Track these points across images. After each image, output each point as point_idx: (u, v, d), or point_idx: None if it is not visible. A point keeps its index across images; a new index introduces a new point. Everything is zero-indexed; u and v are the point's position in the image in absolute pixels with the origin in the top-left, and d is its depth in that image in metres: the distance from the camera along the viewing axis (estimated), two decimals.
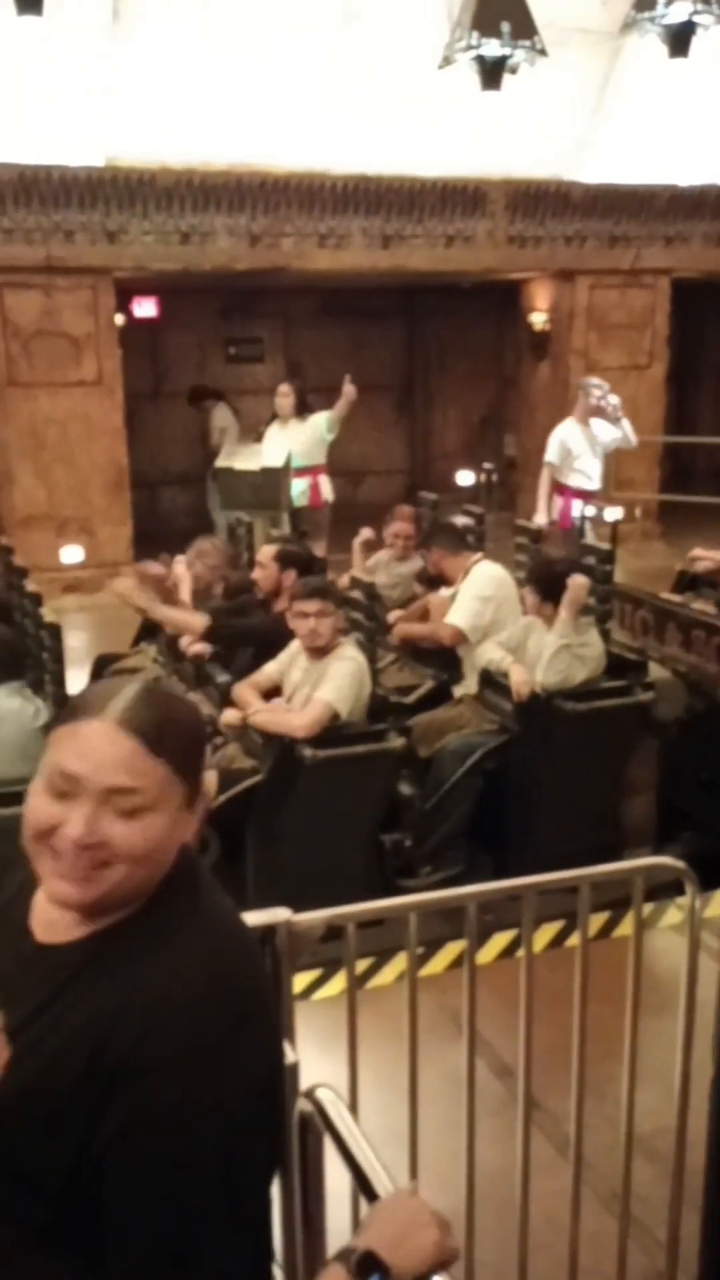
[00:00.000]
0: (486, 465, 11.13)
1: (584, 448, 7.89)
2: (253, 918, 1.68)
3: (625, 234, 9.76)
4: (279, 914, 1.87)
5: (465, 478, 11.29)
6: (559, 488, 7.94)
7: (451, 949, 3.76)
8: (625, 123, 9.12)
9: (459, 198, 9.10)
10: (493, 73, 6.38)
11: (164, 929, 1.21)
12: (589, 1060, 2.31)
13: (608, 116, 9.09)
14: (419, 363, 13.09)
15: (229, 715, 4.21)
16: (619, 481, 9.76)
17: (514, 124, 8.62)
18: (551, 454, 7.95)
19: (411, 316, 12.91)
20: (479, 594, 4.88)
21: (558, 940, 3.68)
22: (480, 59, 6.31)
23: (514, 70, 6.40)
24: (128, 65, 8.00)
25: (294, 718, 3.96)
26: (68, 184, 8.23)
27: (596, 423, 7.91)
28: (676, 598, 6.19)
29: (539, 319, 10.50)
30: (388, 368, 12.86)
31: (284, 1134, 1.36)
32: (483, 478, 10.89)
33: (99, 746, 1.18)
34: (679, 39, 6.21)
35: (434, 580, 5.38)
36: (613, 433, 8.02)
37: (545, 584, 4.48)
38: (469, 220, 9.20)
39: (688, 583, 6.67)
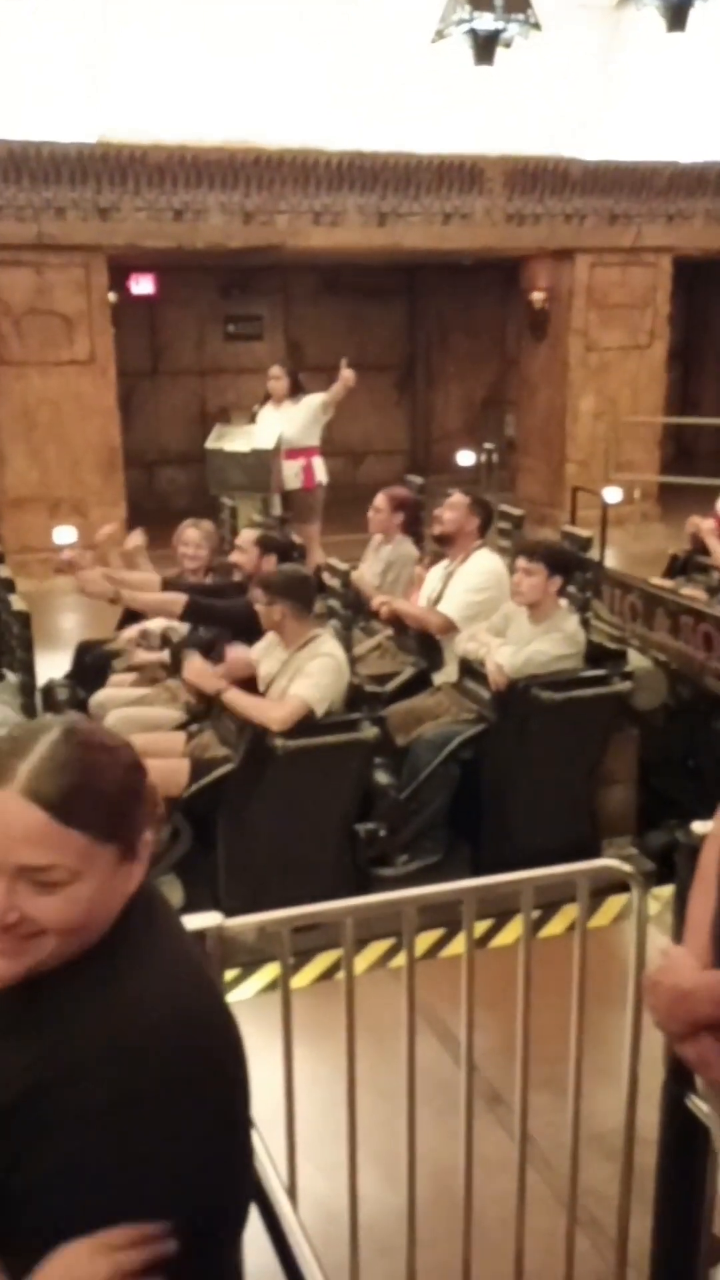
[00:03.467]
0: (487, 446, 11.04)
1: None
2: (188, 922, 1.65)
3: (626, 212, 9.64)
4: (210, 919, 1.85)
5: (466, 458, 11.21)
6: None
7: (425, 939, 3.75)
8: (625, 99, 8.99)
9: (456, 175, 8.99)
10: (485, 47, 6.28)
11: (112, 971, 1.14)
12: (553, 1058, 2.29)
13: (607, 92, 8.96)
14: (420, 341, 12.99)
15: (194, 671, 4.13)
16: (619, 463, 9.69)
17: (511, 100, 8.50)
18: None
19: (412, 295, 12.80)
20: (475, 586, 4.81)
21: (534, 931, 3.66)
22: (473, 33, 6.21)
23: (508, 44, 6.30)
24: (120, 41, 7.91)
25: (271, 709, 3.93)
26: (59, 160, 8.15)
27: None
28: (667, 583, 6.15)
29: (538, 298, 10.39)
30: (388, 346, 12.77)
31: (244, 1187, 1.28)
32: (483, 458, 10.81)
33: (3, 821, 1.10)
34: (677, 12, 6.10)
35: (434, 558, 5.31)
36: None
37: (558, 561, 4.40)
38: (466, 198, 9.09)
39: (679, 567, 6.63)
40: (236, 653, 4.43)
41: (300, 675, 3.97)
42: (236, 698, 4.00)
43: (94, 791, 1.13)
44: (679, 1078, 2.08)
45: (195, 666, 4.13)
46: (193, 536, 5.18)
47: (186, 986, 1.19)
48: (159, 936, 1.20)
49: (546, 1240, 2.32)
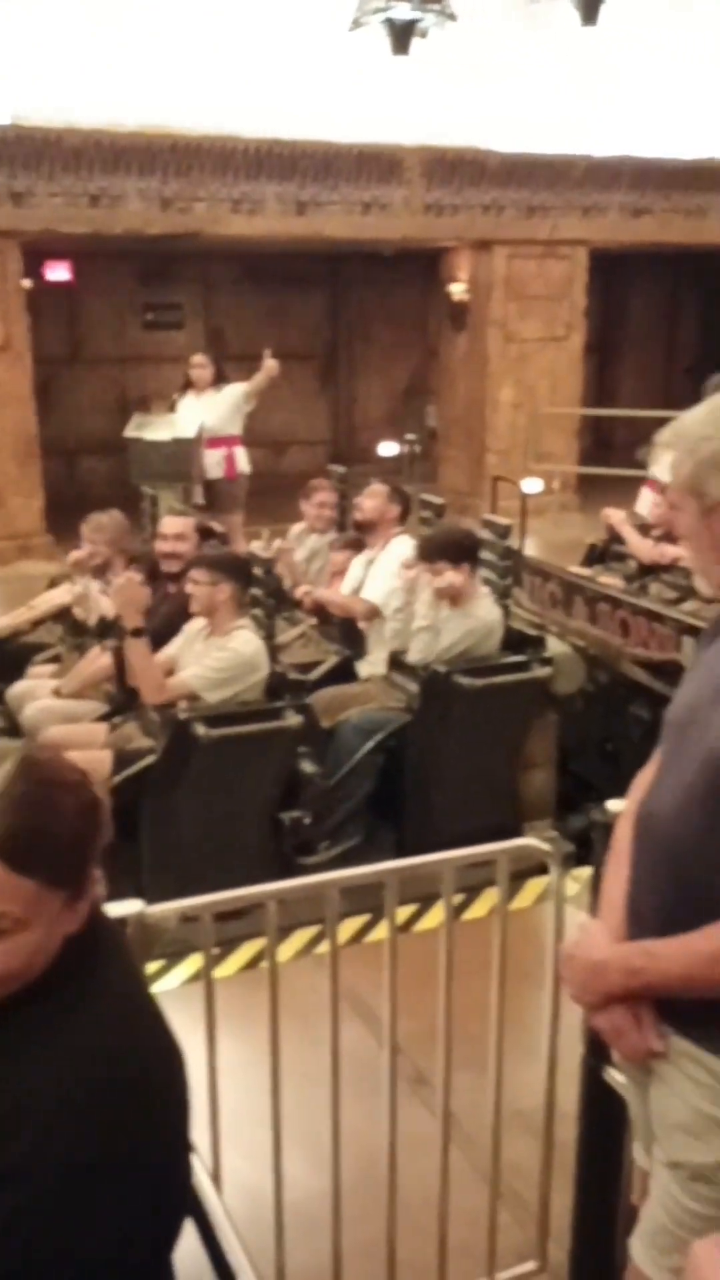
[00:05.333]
0: (409, 436, 11.08)
1: None
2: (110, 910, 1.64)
3: (542, 204, 9.74)
4: (130, 906, 1.84)
5: (388, 448, 11.24)
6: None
7: (349, 925, 3.77)
8: (540, 91, 9.06)
9: (374, 164, 8.99)
10: (402, 36, 6.30)
11: (51, 1019, 1.10)
12: (477, 1038, 2.33)
13: (522, 85, 9.02)
14: (343, 331, 12.99)
15: (124, 589, 4.13)
16: (538, 454, 9.80)
17: (428, 91, 8.52)
18: None
19: (335, 284, 12.78)
20: (397, 573, 4.84)
21: (457, 914, 3.70)
22: (390, 22, 6.22)
23: (424, 34, 6.32)
24: (34, 22, 7.75)
25: (156, 680, 4.02)
26: None
27: None
28: (585, 571, 6.25)
29: (458, 289, 10.46)
30: (311, 336, 12.74)
31: (178, 1216, 1.26)
32: (405, 449, 10.85)
33: None
34: (589, 6, 6.16)
35: (358, 544, 5.33)
36: None
37: (458, 551, 4.44)
38: (385, 188, 9.10)
39: (597, 555, 6.74)
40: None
41: (200, 661, 4.00)
42: (138, 649, 4.01)
43: (49, 835, 1.09)
44: (596, 1051, 2.13)
45: (129, 588, 4.10)
46: (103, 520, 5.13)
47: (127, 1030, 1.14)
48: (101, 972, 1.15)
49: (470, 1216, 2.36)
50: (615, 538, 6.67)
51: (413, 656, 4.45)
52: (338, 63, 8.10)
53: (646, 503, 7.02)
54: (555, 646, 4.66)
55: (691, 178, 10.16)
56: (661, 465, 1.67)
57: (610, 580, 5.89)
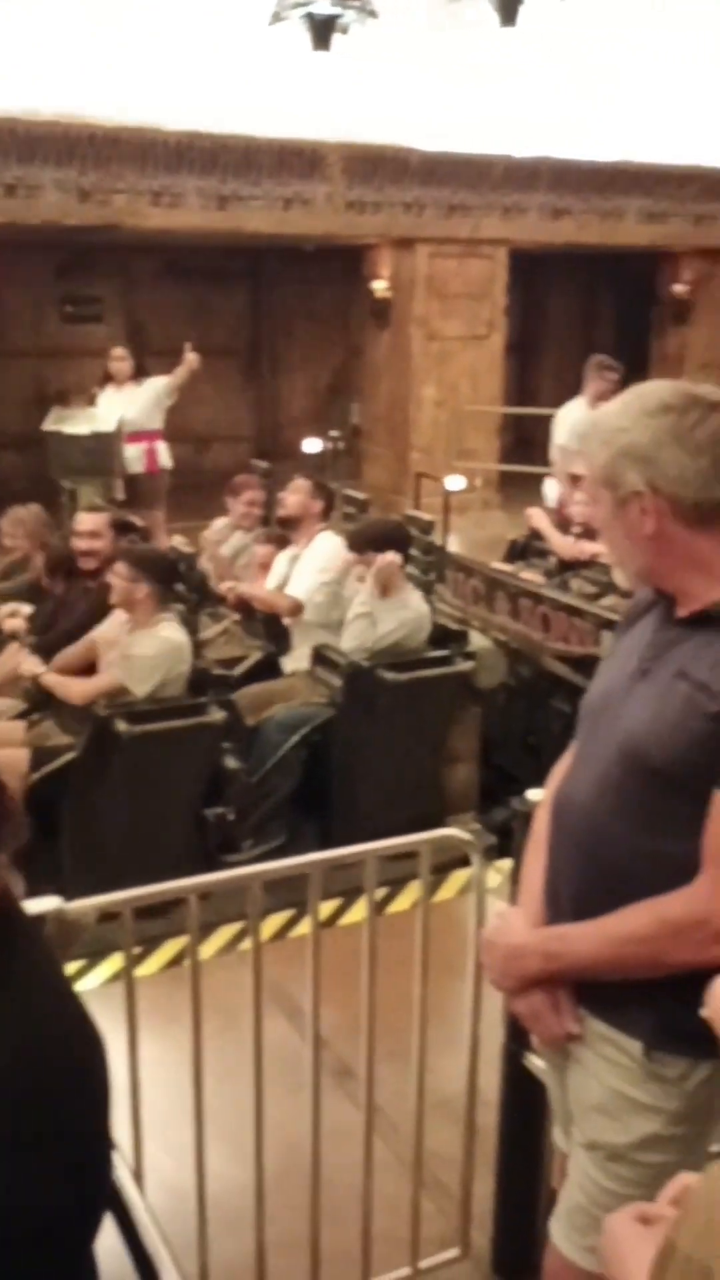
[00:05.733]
0: (333, 433, 11.09)
1: None
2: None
3: (463, 203, 9.81)
4: (48, 903, 1.82)
5: (312, 445, 11.23)
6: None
7: (274, 921, 3.77)
8: (460, 91, 9.13)
9: (296, 160, 8.97)
10: (322, 31, 6.29)
11: None
12: (401, 1029, 2.34)
13: (443, 84, 9.08)
14: (266, 327, 12.93)
15: (26, 668, 4.21)
16: (460, 451, 9.88)
17: (350, 87, 8.53)
18: (560, 435, 7.30)
19: (258, 280, 12.72)
20: (321, 567, 4.84)
21: (379, 908, 3.71)
22: (310, 17, 6.20)
23: (344, 30, 6.32)
24: None
25: (76, 685, 4.03)
26: None
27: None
28: (507, 567, 6.32)
29: (380, 286, 10.49)
30: (233, 332, 12.66)
31: (97, 1211, 1.23)
32: (329, 445, 10.85)
33: None
34: (508, 7, 6.22)
35: (282, 540, 5.33)
36: None
37: (387, 541, 4.47)
38: (307, 183, 9.09)
39: (518, 551, 6.82)
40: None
41: (125, 656, 3.97)
42: (49, 680, 4.09)
43: None
44: (516, 1037, 2.16)
45: (9, 660, 4.15)
46: (22, 514, 5.06)
47: (38, 1031, 1.11)
48: (16, 957, 1.13)
49: (393, 1205, 2.37)
50: (536, 534, 6.77)
51: (347, 644, 4.44)
52: (260, 56, 8.06)
53: (552, 494, 7.18)
54: (478, 641, 4.71)
55: (608, 180, 10.33)
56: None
57: (532, 576, 5.97)
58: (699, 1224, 0.81)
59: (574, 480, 6.54)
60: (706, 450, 1.56)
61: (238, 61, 8.22)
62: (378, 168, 9.35)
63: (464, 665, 4.46)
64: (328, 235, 9.75)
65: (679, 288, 11.60)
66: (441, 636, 4.57)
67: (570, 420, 7.30)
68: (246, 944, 3.50)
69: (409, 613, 4.42)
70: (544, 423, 12.69)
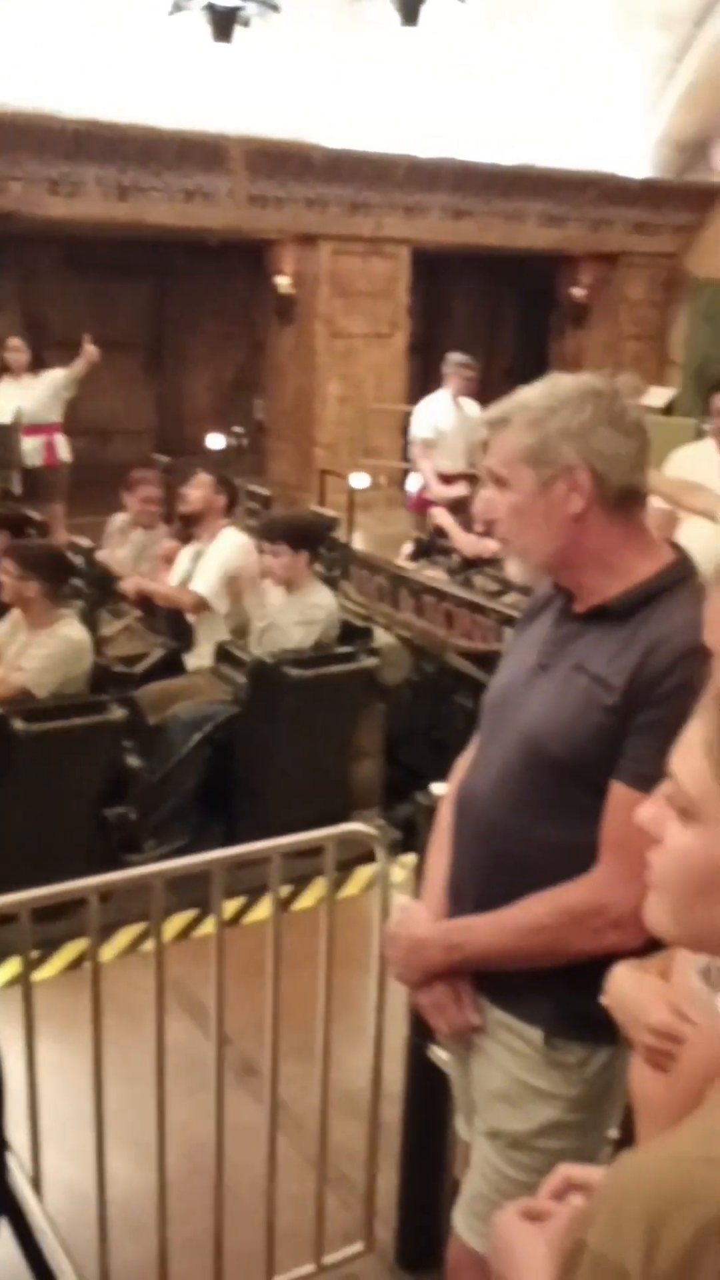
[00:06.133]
0: (237, 429, 11.01)
1: (450, 424, 7.55)
2: None
3: (366, 201, 9.83)
4: None
5: (215, 440, 11.14)
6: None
7: (178, 921, 3.73)
8: (362, 88, 9.15)
9: (198, 152, 8.88)
10: (223, 24, 6.25)
11: None
12: (307, 1026, 2.33)
13: (344, 81, 9.08)
14: (169, 321, 12.77)
15: None
16: (365, 449, 9.91)
17: (252, 81, 8.48)
18: (420, 428, 7.56)
19: (161, 273, 12.55)
20: (225, 562, 4.80)
21: (285, 905, 3.70)
22: (211, 7, 6.14)
23: (245, 23, 6.28)
24: None
25: None
26: None
27: (467, 401, 7.74)
28: (411, 565, 6.37)
29: (284, 282, 10.46)
30: (136, 325, 12.47)
31: None
32: (233, 441, 10.78)
33: None
34: (409, 7, 6.25)
35: (181, 539, 5.27)
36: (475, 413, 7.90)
37: (299, 535, 4.45)
38: (209, 176, 9.00)
39: (423, 549, 6.88)
40: None
41: (26, 657, 3.89)
42: None
43: None
44: (420, 1030, 2.17)
45: None
46: None
47: None
48: None
49: (297, 1202, 2.37)
50: (440, 532, 6.84)
51: (257, 650, 4.42)
52: (162, 47, 7.96)
53: (414, 487, 7.62)
54: (382, 637, 4.73)
55: (509, 183, 10.46)
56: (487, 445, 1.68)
57: (435, 574, 6.03)
58: (609, 1221, 0.79)
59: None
60: (634, 435, 1.59)
61: (139, 51, 8.10)
62: (280, 163, 9.31)
63: (369, 662, 4.47)
64: (230, 229, 9.67)
65: (577, 291, 11.81)
66: (346, 633, 4.58)
67: (431, 415, 7.57)
68: (149, 945, 3.47)
69: (314, 610, 4.41)
70: None
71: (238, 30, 6.71)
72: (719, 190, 11.11)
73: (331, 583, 4.73)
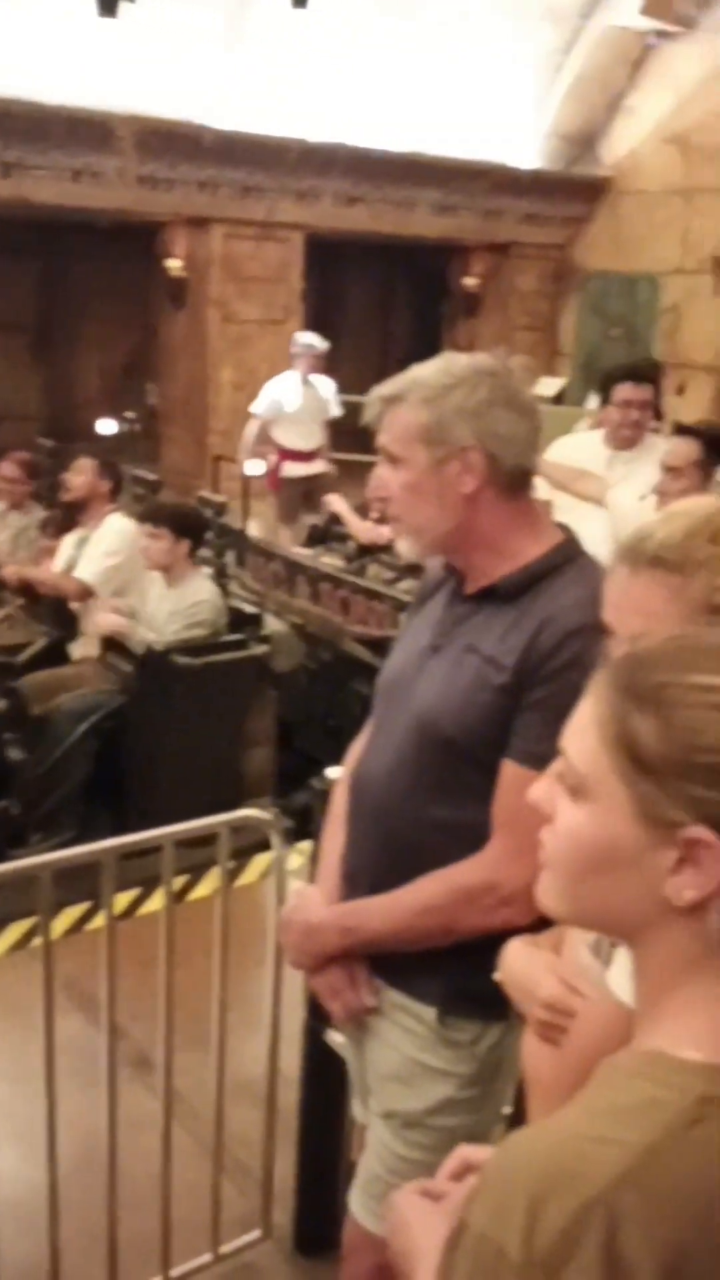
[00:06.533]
0: (129, 414, 10.83)
1: (297, 403, 7.79)
2: None
3: (258, 185, 9.73)
4: None
5: (107, 426, 10.93)
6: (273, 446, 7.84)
7: (68, 915, 3.65)
8: (254, 71, 9.05)
9: (86, 131, 8.66)
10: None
11: None
12: (203, 1015, 2.31)
13: (237, 63, 8.98)
14: (59, 304, 12.47)
15: None
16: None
17: (142, 58, 8.31)
18: (258, 406, 7.91)
19: (50, 255, 12.24)
20: (110, 550, 4.71)
21: (179, 896, 3.66)
22: None
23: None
24: None
25: None
26: None
27: (319, 379, 7.91)
28: (307, 552, 6.36)
29: (175, 266, 10.31)
30: (22, 307, 12.16)
31: None
32: (125, 427, 10.60)
33: None
34: None
35: (65, 526, 5.15)
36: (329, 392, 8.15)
37: (183, 523, 4.39)
38: (98, 155, 8.79)
39: (319, 536, 6.87)
40: None
41: None
42: None
43: None
44: (316, 1014, 2.17)
45: None
46: None
47: None
48: None
49: (194, 1192, 2.35)
50: (335, 519, 6.84)
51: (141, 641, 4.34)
52: (48, 21, 7.73)
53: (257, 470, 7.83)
54: (273, 624, 4.70)
55: (401, 171, 10.47)
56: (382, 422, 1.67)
57: (331, 560, 6.03)
58: (491, 1202, 0.79)
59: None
60: (528, 415, 1.60)
61: (23, 25, 7.86)
62: (170, 144, 9.14)
63: (259, 649, 4.44)
64: (120, 210, 9.48)
65: (470, 281, 11.91)
66: (236, 620, 4.54)
67: (274, 395, 7.91)
68: (39, 940, 3.40)
69: (193, 599, 4.36)
70: (350, 410, 12.84)
71: (127, 7, 6.54)
72: (605, 184, 11.31)
73: (219, 569, 4.68)
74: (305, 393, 7.81)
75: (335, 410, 8.20)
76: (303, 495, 8.04)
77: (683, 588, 1.13)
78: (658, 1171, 0.75)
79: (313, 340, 7.99)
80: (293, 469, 8.03)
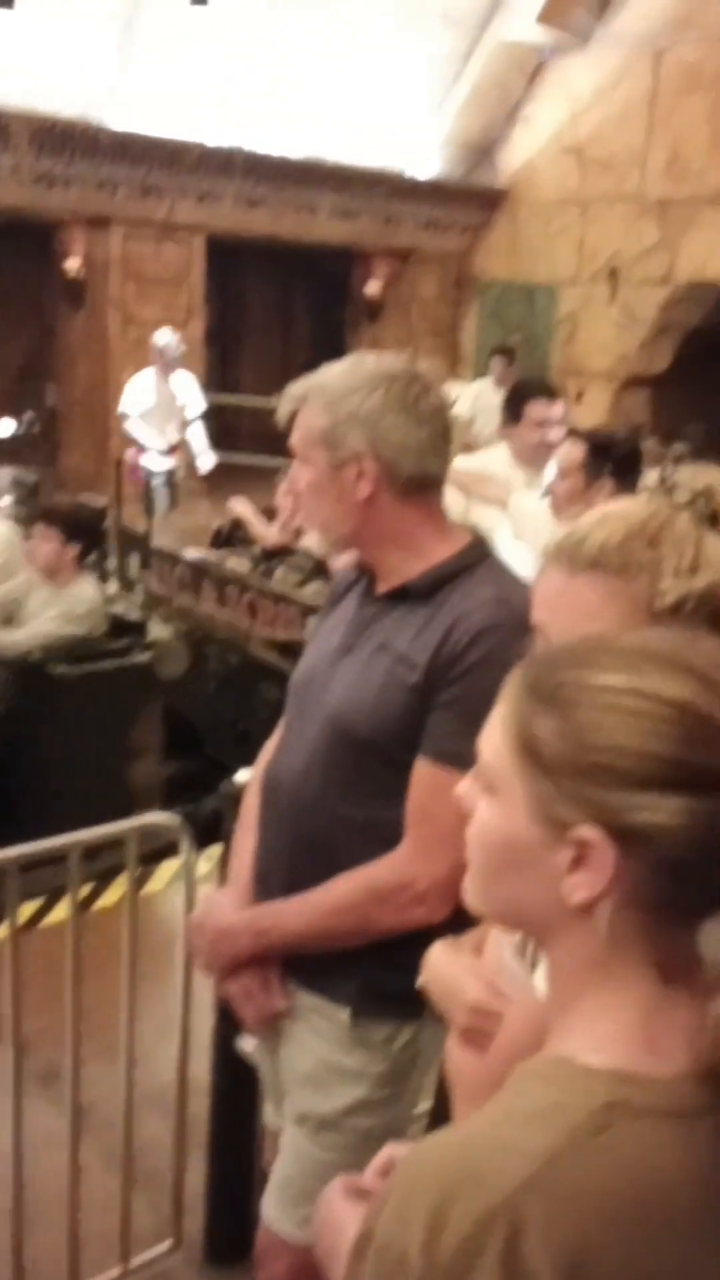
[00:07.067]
0: (27, 416, 10.63)
1: (152, 401, 8.07)
2: None
3: (158, 185, 9.63)
4: None
5: (4, 428, 10.71)
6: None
7: None
8: (152, 72, 8.95)
9: None
10: None
11: None
12: (113, 1026, 2.26)
13: (134, 63, 8.87)
14: None
15: None
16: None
17: (36, 55, 8.16)
18: (124, 405, 8.25)
19: None
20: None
21: (87, 905, 3.59)
22: None
23: None
24: None
25: None
26: None
27: (181, 378, 8.08)
28: (213, 555, 6.30)
29: (73, 265, 10.15)
30: None
31: None
32: (23, 429, 10.39)
33: None
34: None
35: None
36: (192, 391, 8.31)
37: (75, 527, 4.31)
38: None
39: (223, 540, 6.82)
40: None
41: None
42: None
43: None
44: (226, 1020, 2.15)
45: None
46: None
47: None
48: None
49: (103, 1205, 2.31)
50: (239, 523, 6.80)
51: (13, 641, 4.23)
52: None
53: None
54: (157, 631, 4.64)
55: (301, 175, 10.47)
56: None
57: (237, 564, 5.98)
58: (395, 1208, 0.78)
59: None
60: (427, 422, 1.60)
61: None
62: (67, 142, 8.99)
63: (141, 657, 4.37)
64: (14, 208, 9.28)
65: (371, 287, 11.97)
66: (119, 628, 4.46)
67: (134, 394, 8.33)
68: None
69: (75, 603, 4.28)
70: (246, 413, 12.78)
71: (21, 1, 6.42)
72: (503, 193, 11.47)
73: (103, 574, 4.59)
74: (161, 392, 8.07)
75: (196, 410, 8.43)
76: (166, 491, 8.43)
77: (622, 590, 1.13)
78: (560, 1178, 0.74)
79: (169, 340, 8.20)
80: (150, 463, 8.36)
